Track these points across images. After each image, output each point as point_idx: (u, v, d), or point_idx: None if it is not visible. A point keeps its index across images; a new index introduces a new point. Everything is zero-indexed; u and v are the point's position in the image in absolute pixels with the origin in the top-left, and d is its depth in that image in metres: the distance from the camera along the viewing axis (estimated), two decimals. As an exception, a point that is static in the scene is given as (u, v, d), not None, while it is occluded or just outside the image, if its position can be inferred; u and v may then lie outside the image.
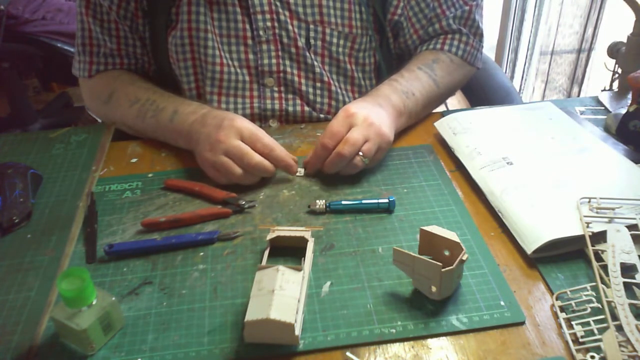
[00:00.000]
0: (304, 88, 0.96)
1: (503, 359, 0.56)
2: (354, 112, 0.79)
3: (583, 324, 0.59)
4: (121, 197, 0.80)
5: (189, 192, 0.79)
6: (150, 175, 0.84)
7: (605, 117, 0.93)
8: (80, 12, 0.93)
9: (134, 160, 0.87)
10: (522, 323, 0.60)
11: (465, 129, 0.87)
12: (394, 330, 0.59)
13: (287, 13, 0.92)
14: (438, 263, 0.59)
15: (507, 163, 0.79)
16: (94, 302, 0.57)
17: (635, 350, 0.54)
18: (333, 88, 0.97)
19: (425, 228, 0.65)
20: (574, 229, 0.67)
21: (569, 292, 0.62)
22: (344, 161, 0.77)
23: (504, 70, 2.25)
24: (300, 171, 0.82)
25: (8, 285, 0.66)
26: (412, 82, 0.90)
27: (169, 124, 0.86)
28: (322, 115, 0.98)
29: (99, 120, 1.01)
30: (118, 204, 0.78)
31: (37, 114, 2.31)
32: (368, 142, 0.78)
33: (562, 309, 0.61)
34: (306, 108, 0.97)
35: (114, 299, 0.58)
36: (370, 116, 0.79)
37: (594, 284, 0.63)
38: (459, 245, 0.62)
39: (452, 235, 0.63)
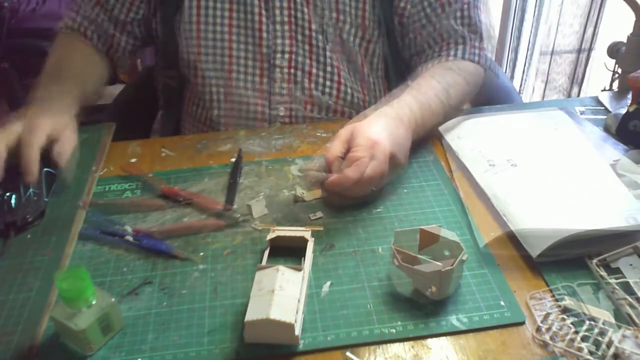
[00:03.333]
0: (314, 71, 0.97)
1: (503, 359, 0.56)
2: (377, 143, 0.73)
3: (583, 324, 0.59)
4: (121, 197, 0.80)
5: (186, 202, 0.78)
6: (150, 175, 0.84)
7: (605, 117, 0.93)
8: None
9: (133, 160, 0.87)
10: (522, 323, 0.60)
11: (470, 133, 0.87)
12: (394, 330, 0.59)
13: None
14: (438, 263, 0.59)
15: (512, 165, 0.79)
16: (93, 303, 0.57)
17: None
18: (343, 73, 0.98)
19: (425, 228, 0.65)
20: (576, 226, 0.66)
21: (568, 292, 0.62)
22: (355, 196, 0.75)
23: (504, 70, 2.25)
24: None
25: (8, 285, 0.66)
26: (428, 94, 0.86)
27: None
28: (330, 102, 0.99)
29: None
30: (118, 204, 0.78)
31: (36, 114, 2.30)
32: (383, 178, 0.74)
33: (562, 309, 0.61)
34: (314, 92, 0.98)
35: (113, 300, 0.58)
36: (393, 146, 0.74)
37: (595, 281, 0.63)
38: (459, 245, 0.62)
39: (452, 235, 0.63)
